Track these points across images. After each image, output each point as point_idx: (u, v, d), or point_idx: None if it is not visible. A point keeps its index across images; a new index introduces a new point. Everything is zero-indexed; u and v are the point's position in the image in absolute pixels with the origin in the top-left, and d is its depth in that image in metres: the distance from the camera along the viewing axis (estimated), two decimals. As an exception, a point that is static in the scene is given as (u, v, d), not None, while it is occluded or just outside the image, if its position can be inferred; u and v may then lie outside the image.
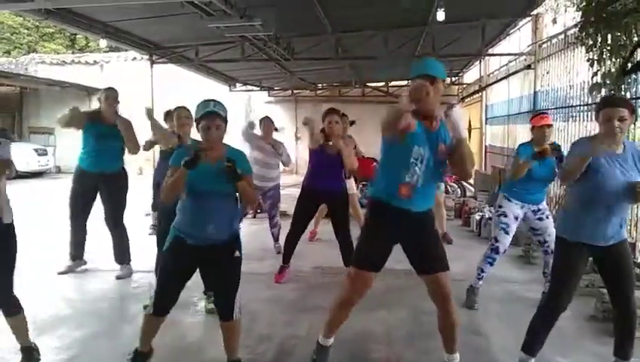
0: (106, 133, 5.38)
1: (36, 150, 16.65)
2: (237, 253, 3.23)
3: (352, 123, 6.79)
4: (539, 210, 4.70)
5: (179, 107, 4.64)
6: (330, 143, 5.09)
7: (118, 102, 5.47)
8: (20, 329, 3.42)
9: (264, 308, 4.65)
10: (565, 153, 3.82)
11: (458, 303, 4.66)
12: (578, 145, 3.24)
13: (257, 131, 6.67)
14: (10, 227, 3.33)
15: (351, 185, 6.93)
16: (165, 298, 3.20)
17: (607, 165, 3.08)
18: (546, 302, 3.31)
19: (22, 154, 16.28)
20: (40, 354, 3.54)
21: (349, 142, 5.44)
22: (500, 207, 4.80)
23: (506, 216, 4.73)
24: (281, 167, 6.80)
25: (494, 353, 3.76)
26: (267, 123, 6.65)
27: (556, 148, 4.53)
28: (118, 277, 5.50)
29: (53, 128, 17.87)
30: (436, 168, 3.11)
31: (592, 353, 3.75)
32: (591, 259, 3.39)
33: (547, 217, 4.71)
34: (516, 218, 4.72)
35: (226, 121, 3.11)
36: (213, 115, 3.03)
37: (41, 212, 8.98)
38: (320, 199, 5.45)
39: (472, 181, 11.93)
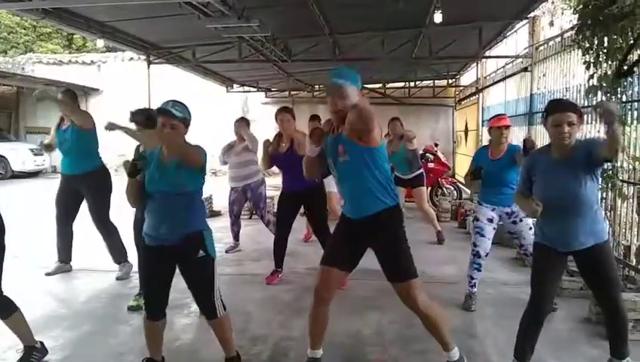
0: (67, 136, 5.41)
1: (32, 150, 16.62)
2: (201, 253, 3.14)
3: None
4: (512, 212, 4.67)
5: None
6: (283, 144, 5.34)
7: (75, 103, 5.50)
8: (18, 329, 3.41)
9: (259, 309, 4.65)
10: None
11: (453, 305, 4.70)
12: (525, 161, 3.41)
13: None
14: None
15: (330, 182, 6.91)
16: (152, 300, 3.20)
17: (549, 172, 3.11)
18: (528, 308, 3.28)
19: (18, 154, 16.27)
20: (44, 353, 3.52)
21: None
22: (474, 211, 4.89)
23: (478, 219, 4.81)
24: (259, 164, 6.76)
25: (488, 355, 3.76)
26: (238, 124, 6.71)
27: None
28: (118, 278, 5.48)
29: (49, 128, 17.71)
30: (350, 170, 3.11)
31: (585, 355, 3.75)
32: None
33: (521, 220, 4.67)
34: (490, 220, 4.75)
35: (184, 121, 3.10)
36: (166, 114, 3.01)
37: (36, 212, 8.96)
38: (296, 199, 5.45)
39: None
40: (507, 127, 4.72)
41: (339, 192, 3.26)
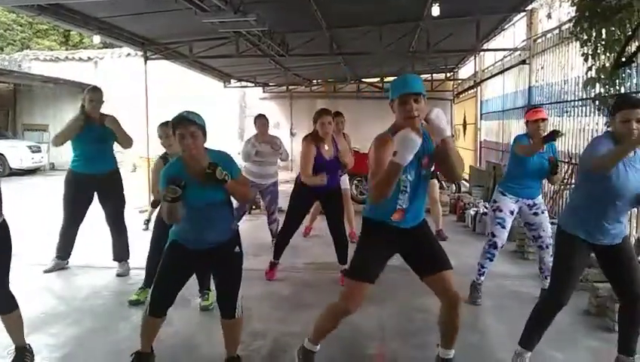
0: (95, 135, 5.34)
1: (30, 147, 16.58)
2: (237, 249, 3.27)
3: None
4: (534, 204, 4.68)
5: (161, 123, 4.50)
6: (326, 148, 5.11)
7: (103, 101, 5.46)
8: (14, 327, 3.40)
9: (258, 305, 4.65)
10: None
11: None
12: (601, 144, 3.10)
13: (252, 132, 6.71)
14: (1, 226, 3.29)
15: (344, 180, 6.93)
16: (162, 300, 3.20)
17: (622, 168, 3.02)
18: (546, 297, 3.28)
19: (16, 151, 16.23)
20: (33, 355, 3.51)
21: (343, 140, 5.47)
22: (495, 201, 4.80)
23: (501, 210, 4.72)
24: (279, 162, 6.80)
25: (488, 348, 3.77)
26: (261, 121, 6.63)
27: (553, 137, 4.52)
28: (118, 275, 5.50)
29: (47, 125, 17.80)
30: (424, 181, 3.08)
31: (585, 347, 3.77)
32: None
33: (542, 212, 4.69)
34: (511, 212, 4.71)
35: (202, 129, 3.05)
36: (185, 123, 2.96)
37: (35, 209, 8.95)
38: (315, 197, 5.43)
39: (466, 176, 11.95)
40: (544, 119, 4.61)
41: (401, 204, 3.06)
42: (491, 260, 4.78)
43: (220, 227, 3.18)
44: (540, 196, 4.80)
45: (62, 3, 6.35)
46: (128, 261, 5.63)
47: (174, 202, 2.93)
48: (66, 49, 23.98)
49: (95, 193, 5.53)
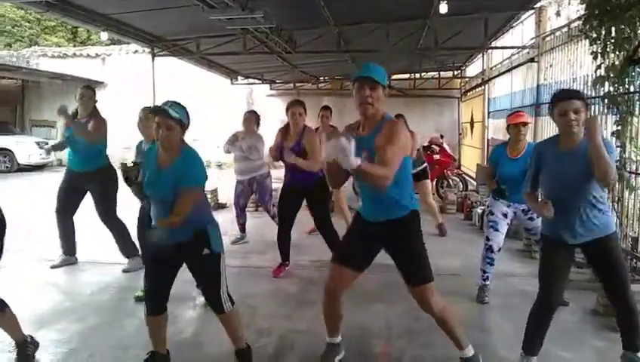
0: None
1: (38, 143, 16.64)
2: (206, 251, 3.12)
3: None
4: (529, 209, 4.61)
5: (145, 107, 4.60)
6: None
7: (95, 99, 5.50)
8: (8, 325, 3.41)
9: (264, 302, 4.65)
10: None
11: (458, 297, 4.68)
12: (535, 155, 3.29)
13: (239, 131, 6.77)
14: None
15: None
16: (154, 296, 3.20)
17: (552, 163, 3.11)
18: (537, 303, 3.27)
19: (24, 147, 16.30)
20: (36, 346, 3.53)
21: (313, 138, 5.33)
22: (488, 206, 4.85)
23: (492, 213, 4.75)
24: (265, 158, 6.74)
25: (494, 347, 3.75)
26: (246, 117, 6.72)
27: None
28: (125, 271, 5.51)
29: (54, 121, 17.85)
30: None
31: (592, 347, 3.75)
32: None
33: (538, 217, 4.64)
34: (504, 215, 4.70)
35: (181, 123, 3.06)
36: (163, 114, 2.99)
37: (43, 205, 8.98)
38: (299, 194, 5.41)
39: (473, 174, 11.91)
40: (525, 123, 4.61)
41: (356, 193, 3.20)
42: (491, 264, 4.77)
43: (178, 226, 3.03)
44: None
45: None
46: (138, 256, 5.49)
47: (127, 184, 3.12)
48: (74, 45, 24.06)
49: (87, 191, 5.58)
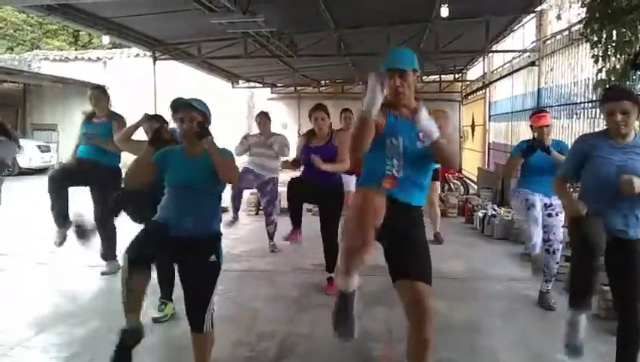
0: (92, 130, 5.40)
1: (39, 146, 16.68)
2: (213, 257, 3.02)
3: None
4: (550, 204, 4.54)
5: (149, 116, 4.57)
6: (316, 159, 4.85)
7: (106, 97, 5.50)
8: None
9: (265, 306, 4.64)
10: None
11: (459, 301, 4.67)
12: (575, 148, 3.18)
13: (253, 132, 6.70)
14: None
15: (349, 182, 6.88)
16: (139, 250, 2.89)
17: (605, 155, 2.99)
18: (581, 248, 3.00)
19: (25, 151, 16.32)
20: None
21: (344, 137, 5.24)
22: (527, 200, 4.50)
23: (534, 206, 4.46)
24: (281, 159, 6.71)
25: (495, 351, 3.74)
26: (261, 118, 6.64)
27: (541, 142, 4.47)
28: (104, 273, 5.47)
29: (56, 125, 17.90)
30: (419, 158, 2.84)
31: (594, 351, 3.72)
32: None
33: (557, 214, 4.52)
34: (540, 205, 4.52)
35: (205, 115, 3.04)
36: (185, 107, 2.97)
37: (42, 208, 8.98)
38: (309, 188, 5.05)
39: (474, 178, 11.92)
40: (547, 126, 4.55)
41: (390, 170, 2.94)
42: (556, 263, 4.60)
43: (199, 216, 2.99)
44: None
45: (71, 3, 6.38)
46: (116, 260, 5.45)
47: (151, 144, 3.05)
48: (76, 49, 24.11)
49: (88, 183, 5.48)
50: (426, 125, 2.69)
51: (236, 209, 6.79)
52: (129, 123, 5.19)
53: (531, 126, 4.64)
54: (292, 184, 5.09)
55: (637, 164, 2.94)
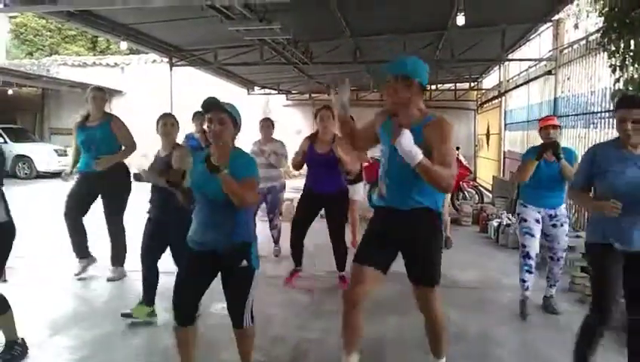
0: (91, 135, 5.38)
1: (56, 150, 16.86)
2: (244, 263, 3.04)
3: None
4: (555, 215, 4.60)
5: (164, 114, 4.55)
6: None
7: (105, 100, 5.55)
8: (6, 326, 3.48)
9: (278, 311, 4.65)
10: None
11: (471, 309, 4.64)
12: (587, 157, 3.18)
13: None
14: (2, 226, 3.35)
15: (357, 190, 6.88)
16: (182, 305, 3.08)
17: (618, 165, 2.99)
18: (592, 315, 3.10)
19: (42, 155, 16.52)
20: (24, 349, 3.58)
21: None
22: (519, 214, 4.77)
23: (525, 220, 4.66)
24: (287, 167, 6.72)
25: (506, 360, 3.70)
26: (264, 124, 6.64)
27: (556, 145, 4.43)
28: (109, 279, 5.47)
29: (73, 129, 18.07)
30: (408, 167, 2.75)
31: (609, 360, 3.68)
32: None
33: (562, 225, 4.61)
34: (537, 221, 4.63)
35: (233, 118, 2.98)
36: (215, 108, 2.92)
37: (59, 212, 9.06)
38: (319, 201, 5.35)
39: (489, 187, 11.84)
40: (554, 126, 4.59)
41: (382, 182, 3.04)
42: (530, 272, 4.64)
43: (222, 228, 2.99)
44: (563, 206, 4.71)
45: (90, 9, 6.46)
46: (123, 266, 5.57)
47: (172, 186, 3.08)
48: (94, 55, 24.37)
49: (99, 194, 5.52)
50: (404, 149, 2.65)
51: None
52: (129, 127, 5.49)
53: (540, 130, 4.67)
54: (301, 205, 5.43)
55: None
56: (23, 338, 3.60)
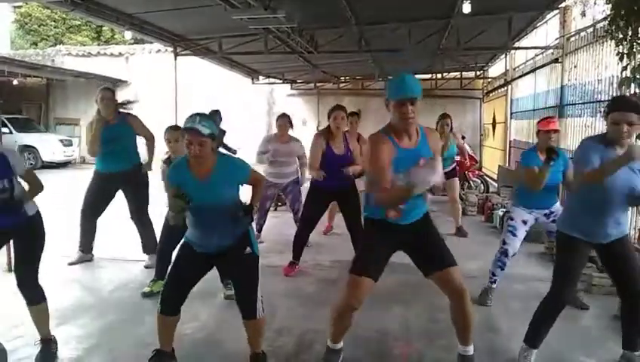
0: (111, 134, 5.44)
1: (62, 140, 16.92)
2: (248, 249, 3.19)
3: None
4: (551, 212, 4.62)
5: (169, 127, 4.65)
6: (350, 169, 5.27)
7: (115, 100, 5.56)
8: (41, 319, 3.49)
9: (283, 302, 4.66)
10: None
11: (475, 300, 4.64)
12: (591, 149, 3.11)
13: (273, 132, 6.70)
14: (34, 218, 3.39)
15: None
16: (171, 299, 3.19)
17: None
18: (549, 297, 3.37)
19: (48, 145, 16.57)
20: (57, 345, 3.59)
21: (355, 141, 5.56)
22: (508, 211, 4.86)
23: (512, 219, 4.71)
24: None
25: (513, 351, 3.70)
26: (281, 121, 6.54)
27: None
28: (147, 266, 5.58)
29: (78, 119, 18.12)
30: None
31: (616, 353, 3.66)
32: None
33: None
34: (524, 222, 4.68)
35: (211, 136, 3.01)
36: (193, 132, 2.94)
37: (66, 202, 9.10)
38: (329, 197, 5.51)
39: (495, 176, 11.80)
40: (556, 131, 4.60)
41: (391, 210, 3.14)
42: (502, 268, 4.75)
43: (225, 231, 3.13)
44: (558, 203, 4.72)
45: (94, -1, 6.45)
46: (154, 254, 5.64)
47: (179, 213, 3.06)
48: (98, 44, 24.34)
49: (119, 190, 5.66)
50: (429, 182, 2.79)
51: (260, 227, 6.84)
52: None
53: (538, 131, 4.64)
54: (311, 199, 5.49)
55: (626, 175, 3.04)
56: (53, 335, 3.61)
